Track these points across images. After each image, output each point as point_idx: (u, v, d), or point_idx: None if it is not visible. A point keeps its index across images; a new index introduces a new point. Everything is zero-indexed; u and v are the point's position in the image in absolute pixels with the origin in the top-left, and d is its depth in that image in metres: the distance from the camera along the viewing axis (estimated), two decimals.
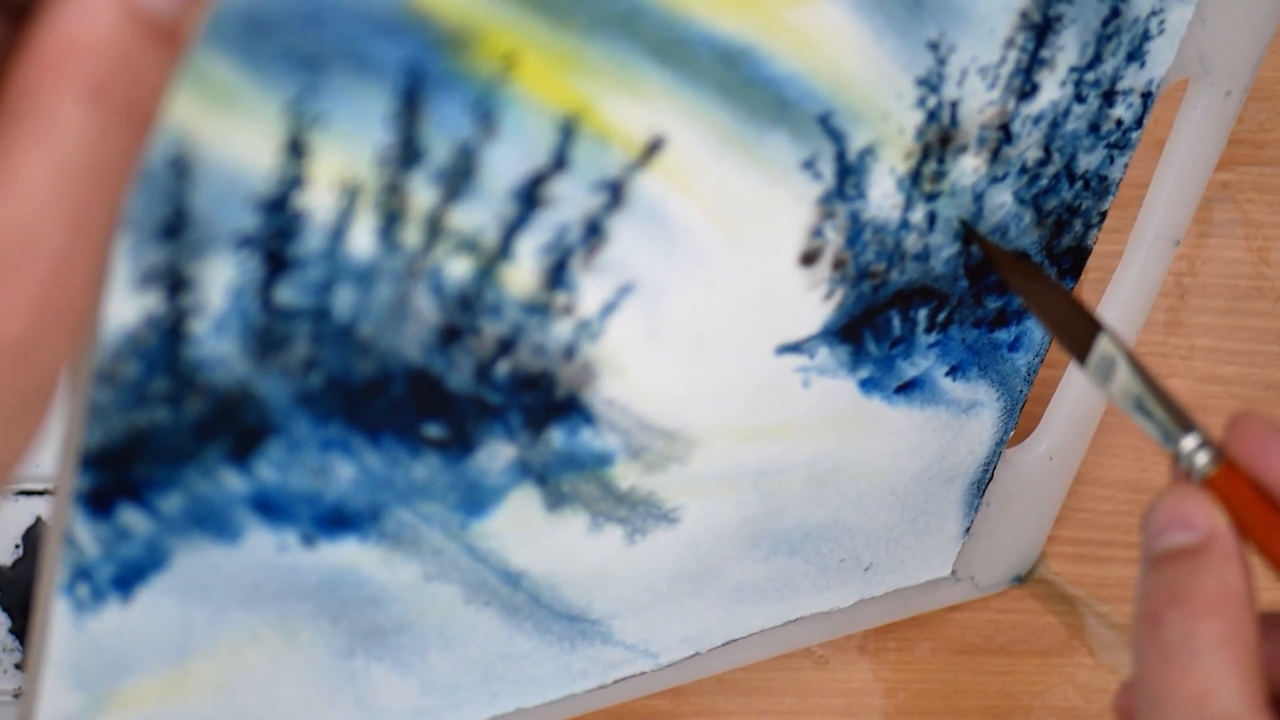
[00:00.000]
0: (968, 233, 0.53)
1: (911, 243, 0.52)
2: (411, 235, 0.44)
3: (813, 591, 0.60)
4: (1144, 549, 0.45)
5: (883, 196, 0.51)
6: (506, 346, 0.47)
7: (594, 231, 0.46)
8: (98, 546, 0.45)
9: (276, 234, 0.42)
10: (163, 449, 0.44)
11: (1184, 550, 0.44)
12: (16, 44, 0.34)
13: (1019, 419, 0.59)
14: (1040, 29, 0.50)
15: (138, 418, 0.43)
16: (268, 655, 0.50)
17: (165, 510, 0.45)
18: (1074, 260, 0.56)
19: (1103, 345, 0.49)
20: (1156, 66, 0.53)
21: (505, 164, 0.44)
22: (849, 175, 0.50)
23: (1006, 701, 0.65)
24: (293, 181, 0.41)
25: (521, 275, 0.46)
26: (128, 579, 0.46)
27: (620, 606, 0.55)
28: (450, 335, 0.46)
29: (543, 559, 0.52)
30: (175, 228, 0.41)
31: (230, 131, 0.40)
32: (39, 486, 0.61)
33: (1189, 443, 0.46)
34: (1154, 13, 0.52)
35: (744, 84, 0.46)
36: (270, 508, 0.47)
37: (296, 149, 0.41)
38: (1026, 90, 0.51)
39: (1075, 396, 0.61)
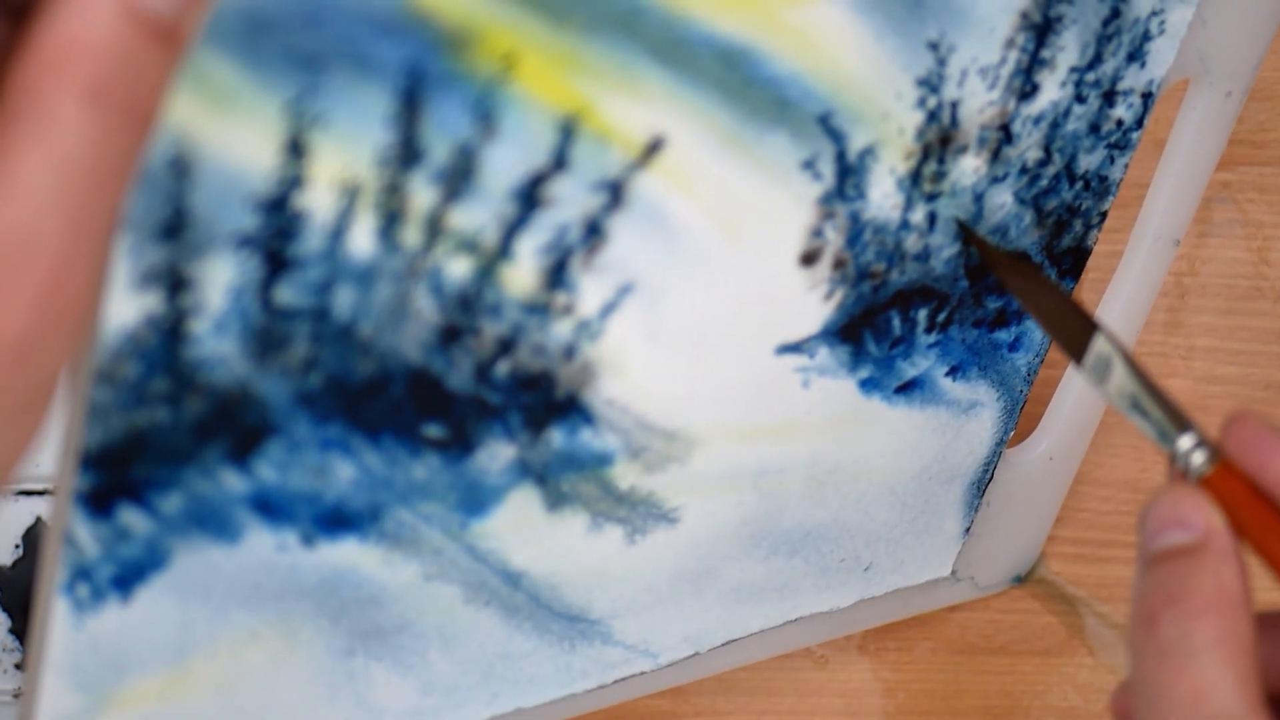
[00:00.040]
0: (963, 232, 0.53)
1: (912, 243, 0.52)
2: (411, 235, 0.44)
3: (813, 591, 0.60)
4: (1140, 549, 0.45)
5: (883, 197, 0.51)
6: (506, 346, 0.47)
7: (594, 231, 0.46)
8: (97, 546, 0.45)
9: (276, 234, 0.42)
10: (163, 449, 0.44)
11: (1180, 550, 0.44)
12: (16, 44, 0.34)
13: (1019, 419, 0.59)
14: (1041, 29, 0.50)
15: (137, 418, 0.43)
16: (268, 655, 0.50)
17: (165, 510, 0.45)
18: (1074, 260, 0.56)
19: (1099, 345, 0.49)
20: (1157, 67, 0.53)
21: (505, 164, 0.44)
22: (849, 175, 0.50)
23: (1006, 701, 0.65)
24: (293, 181, 0.41)
25: (521, 275, 0.46)
26: (127, 579, 0.46)
27: (620, 606, 0.55)
28: (450, 335, 0.46)
29: (543, 559, 0.52)
30: (175, 228, 0.41)
31: (230, 131, 0.40)
32: (39, 486, 0.61)
33: (1185, 442, 0.46)
34: (1154, 13, 0.52)
35: (744, 84, 0.46)
36: (270, 508, 0.47)
37: (296, 149, 0.41)
38: (1027, 90, 0.51)
39: (1075, 396, 0.61)
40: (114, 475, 0.44)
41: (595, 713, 0.59)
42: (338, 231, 0.43)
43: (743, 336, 0.51)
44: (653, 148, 0.46)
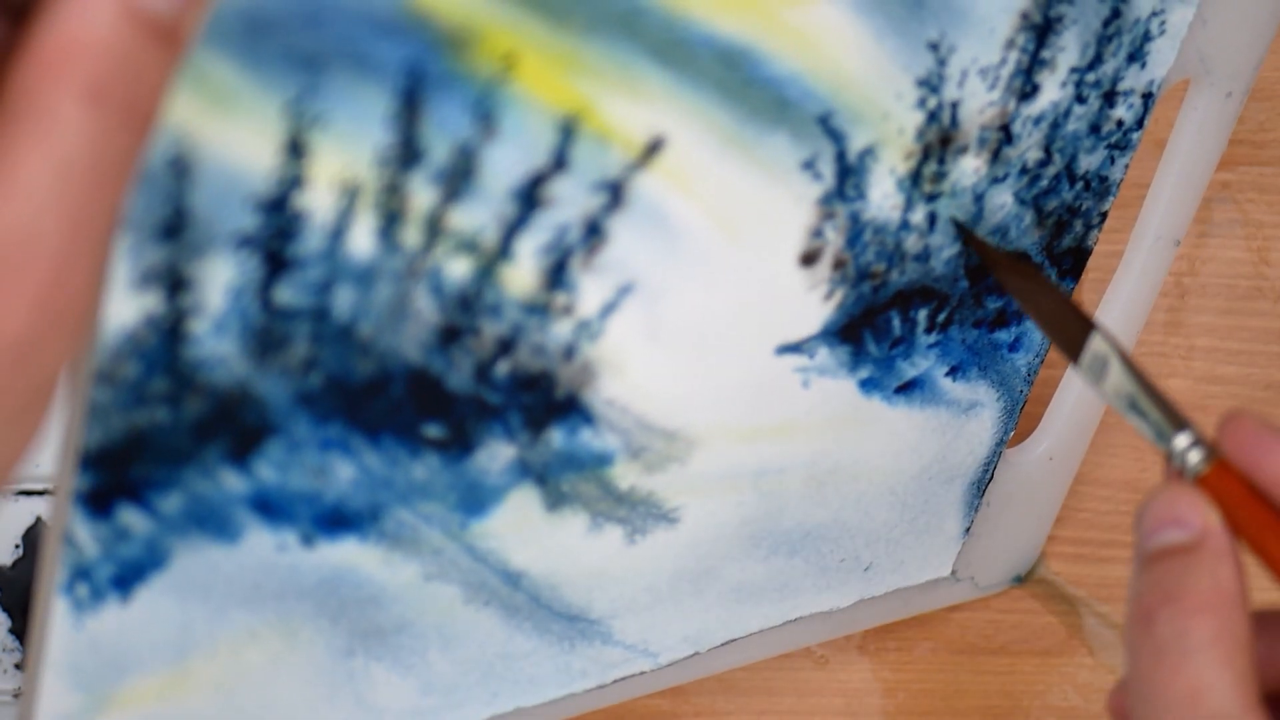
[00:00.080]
0: (960, 232, 0.53)
1: (912, 243, 0.52)
2: (411, 235, 0.44)
3: (813, 591, 0.60)
4: (1137, 547, 0.45)
5: (883, 197, 0.51)
6: (506, 347, 0.47)
7: (594, 232, 0.46)
8: (97, 546, 0.45)
9: (276, 234, 0.42)
10: (162, 449, 0.44)
11: (1177, 548, 0.44)
12: (16, 44, 0.34)
13: (1019, 419, 0.59)
14: (1041, 30, 0.50)
15: (137, 418, 0.43)
16: (267, 655, 0.50)
17: (165, 510, 0.45)
18: (1074, 261, 0.56)
19: (1096, 344, 0.49)
20: (1157, 67, 0.53)
21: (505, 164, 0.44)
22: (849, 176, 0.50)
23: (1006, 701, 0.65)
24: (292, 182, 0.41)
25: (521, 275, 0.46)
26: (127, 579, 0.46)
27: (620, 606, 0.55)
28: (450, 335, 0.46)
29: (542, 559, 0.52)
30: (175, 228, 0.41)
31: (230, 132, 0.40)
32: (39, 486, 0.61)
33: (1182, 441, 0.46)
34: (1155, 13, 0.52)
35: (744, 84, 0.46)
36: (270, 508, 0.47)
37: (296, 149, 0.41)
38: (1027, 91, 0.51)
39: (1075, 396, 0.61)
40: (114, 475, 0.44)
41: (595, 713, 0.59)
42: (338, 231, 0.43)
43: (743, 336, 0.51)
44: (653, 148, 0.46)
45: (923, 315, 0.54)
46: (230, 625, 0.49)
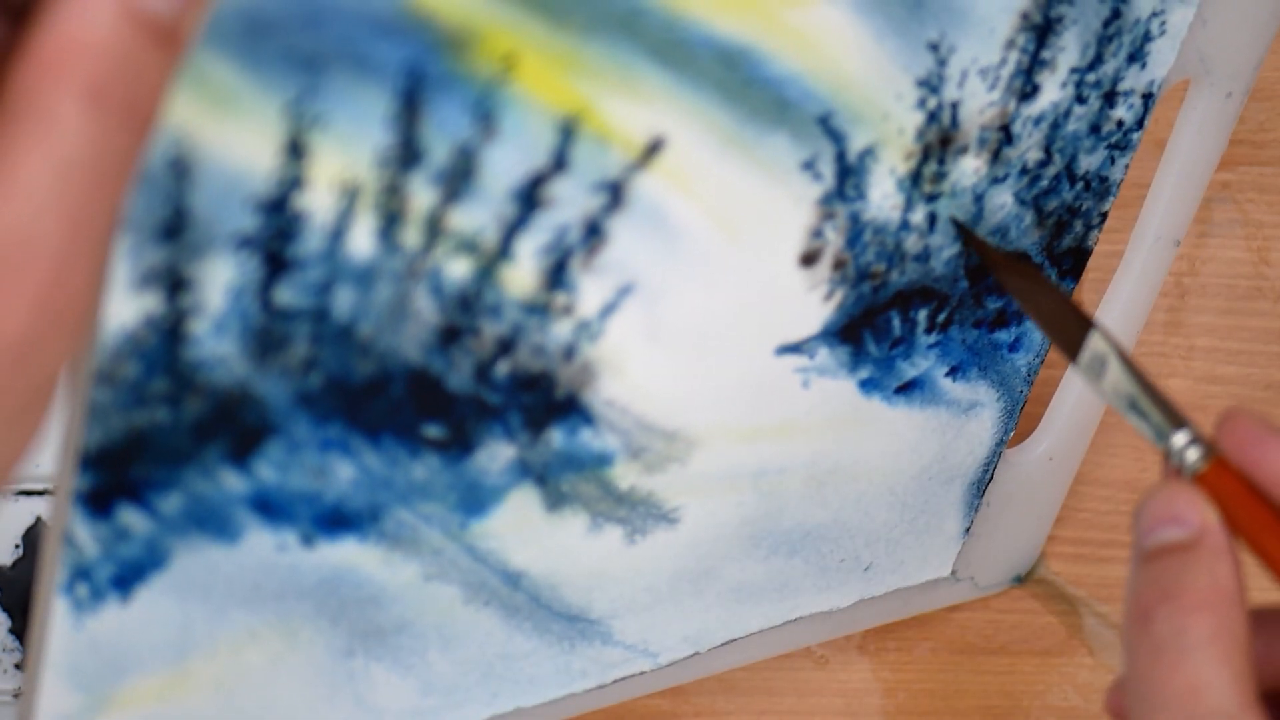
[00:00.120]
0: (960, 232, 0.53)
1: (912, 243, 0.52)
2: (411, 236, 0.44)
3: (813, 591, 0.60)
4: (1135, 545, 0.45)
5: (883, 197, 0.51)
6: (506, 347, 0.47)
7: (594, 232, 0.46)
8: (97, 546, 0.45)
9: (276, 235, 0.42)
10: (162, 449, 0.44)
11: (1175, 546, 0.44)
12: (16, 44, 0.34)
13: (1019, 419, 0.59)
14: (1041, 30, 0.50)
15: (137, 418, 0.43)
16: (267, 655, 0.50)
17: (165, 510, 0.45)
18: (1074, 261, 0.56)
19: (1094, 343, 0.49)
20: (1157, 67, 0.53)
21: (505, 165, 0.44)
22: (849, 176, 0.50)
23: (1006, 701, 0.65)
24: (292, 182, 0.41)
25: (521, 276, 0.46)
26: (127, 579, 0.46)
27: (620, 606, 0.55)
28: (450, 336, 0.46)
29: (542, 559, 0.52)
30: (175, 228, 0.41)
31: (230, 132, 0.40)
32: (39, 486, 0.61)
33: (1180, 439, 0.46)
34: (1155, 14, 0.52)
35: (744, 85, 0.46)
36: (270, 508, 0.47)
37: (296, 150, 0.41)
38: (1027, 91, 0.51)
39: (1075, 396, 0.61)
40: (114, 475, 0.44)
41: (595, 713, 0.59)
42: (338, 232, 0.43)
43: (743, 337, 0.51)
44: (653, 148, 0.46)
45: (923, 315, 0.54)
46: (230, 625, 0.49)
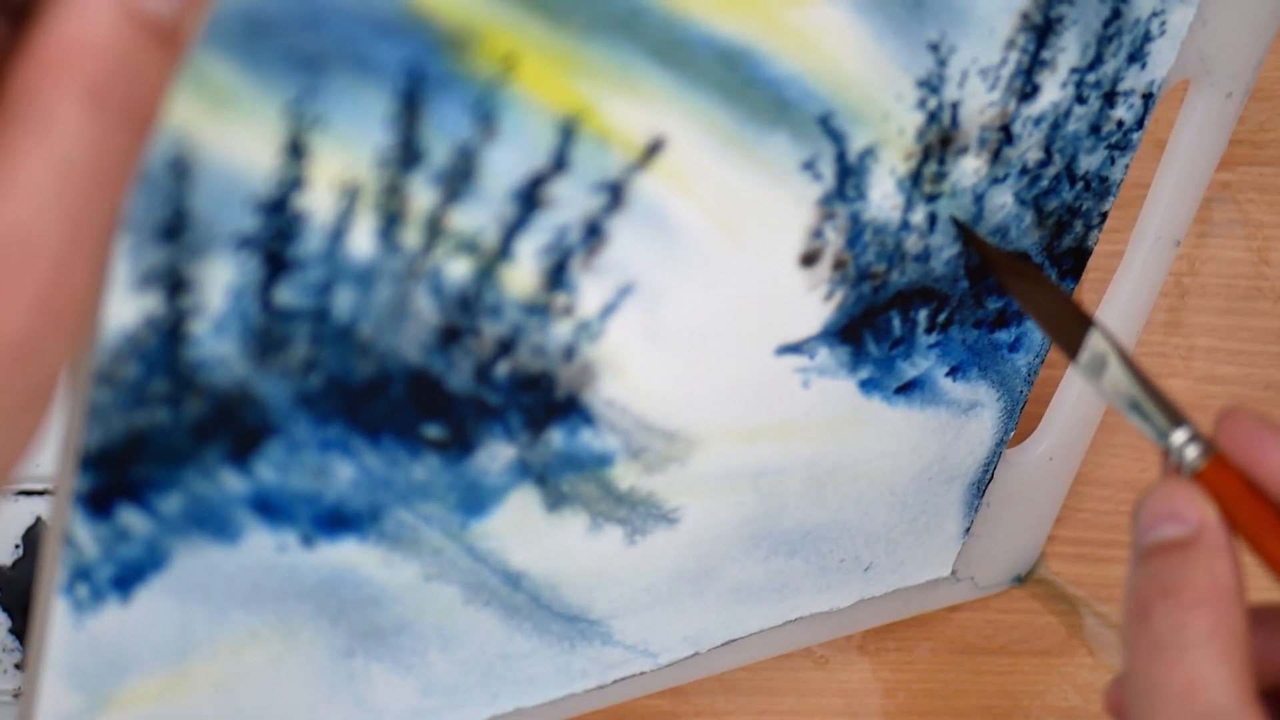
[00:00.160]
0: (960, 231, 0.53)
1: (912, 244, 0.52)
2: (411, 236, 0.44)
3: (813, 591, 0.60)
4: (1134, 542, 0.45)
5: (883, 197, 0.51)
6: (506, 347, 0.47)
7: (594, 233, 0.46)
8: (97, 547, 0.45)
9: (276, 235, 0.42)
10: (162, 449, 0.44)
11: (1174, 543, 0.44)
12: (16, 45, 0.34)
13: (1019, 419, 0.59)
14: (1041, 30, 0.50)
15: (137, 418, 0.43)
16: (267, 655, 0.50)
17: (165, 511, 0.45)
18: (1075, 261, 0.56)
19: (1094, 341, 0.49)
20: (1157, 67, 0.53)
21: (505, 165, 0.44)
22: (849, 176, 0.50)
23: (1006, 701, 0.65)
24: (292, 183, 0.41)
25: (521, 276, 0.46)
26: (127, 579, 0.46)
27: (620, 607, 0.55)
28: (450, 336, 0.46)
29: (542, 559, 0.52)
30: (175, 229, 0.41)
31: (230, 133, 0.40)
32: (39, 486, 0.61)
33: (1179, 437, 0.46)
34: (1155, 14, 0.52)
35: (744, 85, 0.46)
36: (270, 508, 0.47)
37: (296, 150, 0.41)
38: (1027, 91, 0.51)
39: (1075, 397, 0.61)
40: (114, 476, 0.44)
41: (595, 713, 0.59)
42: (338, 233, 0.43)
43: (743, 337, 0.51)
44: (653, 149, 0.46)
45: (923, 315, 0.54)
46: (230, 626, 0.49)
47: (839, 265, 0.51)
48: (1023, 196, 0.53)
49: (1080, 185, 0.54)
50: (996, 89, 0.50)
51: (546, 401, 0.49)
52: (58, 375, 0.35)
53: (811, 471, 0.56)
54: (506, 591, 0.53)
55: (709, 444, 0.53)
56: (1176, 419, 0.47)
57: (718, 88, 0.46)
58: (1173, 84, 0.54)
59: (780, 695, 0.65)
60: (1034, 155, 0.53)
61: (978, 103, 0.50)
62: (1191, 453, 0.46)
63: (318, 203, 0.42)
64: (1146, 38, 0.52)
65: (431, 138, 0.43)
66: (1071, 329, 0.49)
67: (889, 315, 0.53)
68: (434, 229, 0.44)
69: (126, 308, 0.41)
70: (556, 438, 0.50)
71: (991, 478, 0.60)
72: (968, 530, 0.62)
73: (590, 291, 0.47)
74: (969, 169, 0.52)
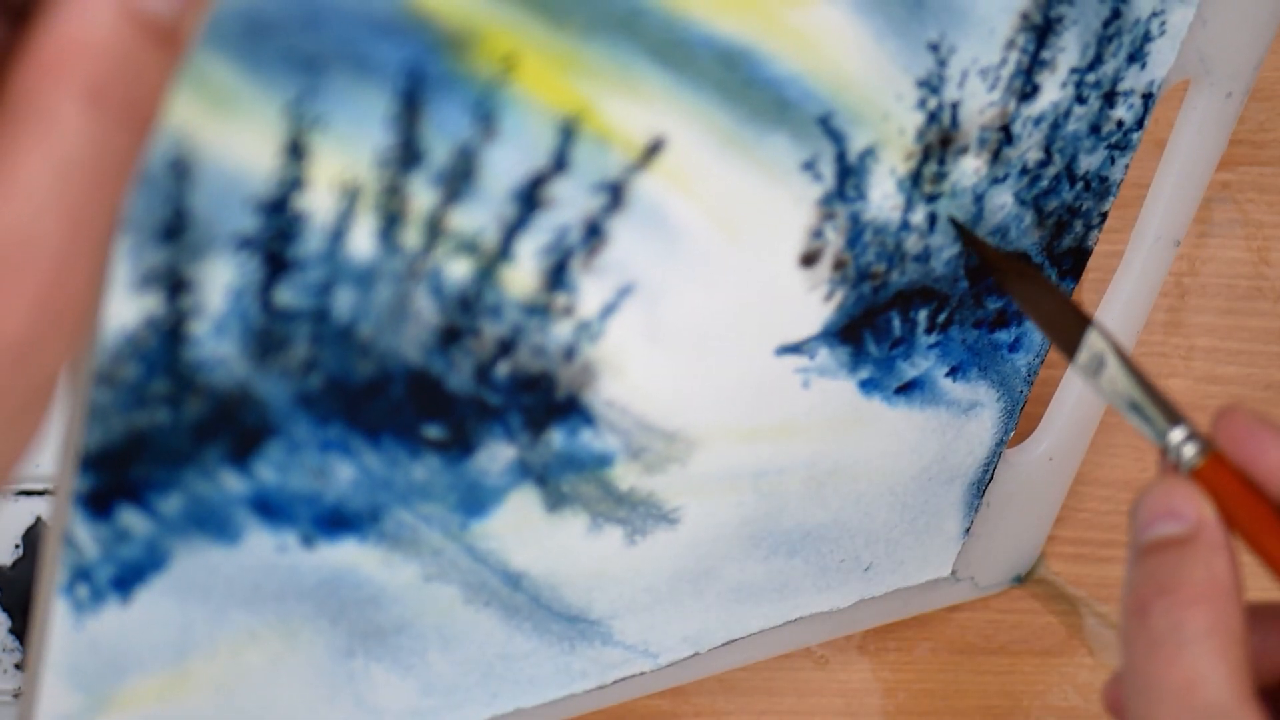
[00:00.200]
0: (958, 231, 0.53)
1: (912, 244, 0.52)
2: (411, 237, 0.44)
3: (813, 591, 0.60)
4: (1132, 540, 0.45)
5: (883, 198, 0.51)
6: (506, 348, 0.47)
7: (594, 233, 0.46)
8: (97, 547, 0.45)
9: (276, 235, 0.42)
10: (162, 450, 0.44)
11: (1172, 541, 0.44)
12: (16, 45, 0.34)
13: (1019, 419, 0.59)
14: (1041, 30, 0.50)
15: (137, 419, 0.43)
16: (267, 656, 0.50)
17: (165, 511, 0.45)
18: (1075, 261, 0.56)
19: (1092, 340, 0.49)
20: (1157, 67, 0.53)
21: (505, 165, 0.44)
22: (849, 176, 0.50)
23: (1006, 701, 0.65)
24: (293, 183, 0.41)
25: (521, 276, 0.46)
26: (127, 580, 0.46)
27: (620, 607, 0.55)
28: (450, 336, 0.46)
29: (542, 559, 0.52)
30: (175, 229, 0.41)
31: (230, 133, 0.40)
32: (39, 486, 0.61)
33: (1177, 435, 0.46)
34: (1155, 14, 0.52)
35: (744, 85, 0.46)
36: (270, 509, 0.47)
37: (296, 151, 0.41)
38: (1027, 91, 0.51)
39: (1075, 396, 0.61)
40: (114, 476, 0.44)
41: (595, 713, 0.59)
42: (338, 233, 0.43)
43: (743, 337, 0.51)
44: (653, 149, 0.46)
45: (923, 316, 0.54)
46: (230, 626, 0.49)
47: (839, 265, 0.51)
48: (1023, 196, 0.53)
49: (1080, 185, 0.54)
50: (996, 89, 0.50)
51: (547, 402, 0.49)
52: (58, 375, 0.35)
53: (811, 472, 0.56)
54: (506, 592, 0.53)
55: (709, 444, 0.53)
56: (1174, 418, 0.47)
57: (718, 88, 0.46)
58: (1173, 84, 0.54)
59: (780, 695, 0.65)
60: (1034, 155, 0.53)
61: (978, 103, 0.50)
62: (1189, 451, 0.46)
63: (318, 203, 0.42)
64: (1146, 38, 0.52)
65: (431, 138, 0.43)
66: (1070, 329, 0.49)
67: (889, 315, 0.53)
68: (434, 229, 0.44)
69: (126, 308, 0.41)
70: (557, 438, 0.50)
71: (991, 478, 0.60)
72: (968, 530, 0.62)
73: (590, 292, 0.47)
74: (969, 169, 0.52)
